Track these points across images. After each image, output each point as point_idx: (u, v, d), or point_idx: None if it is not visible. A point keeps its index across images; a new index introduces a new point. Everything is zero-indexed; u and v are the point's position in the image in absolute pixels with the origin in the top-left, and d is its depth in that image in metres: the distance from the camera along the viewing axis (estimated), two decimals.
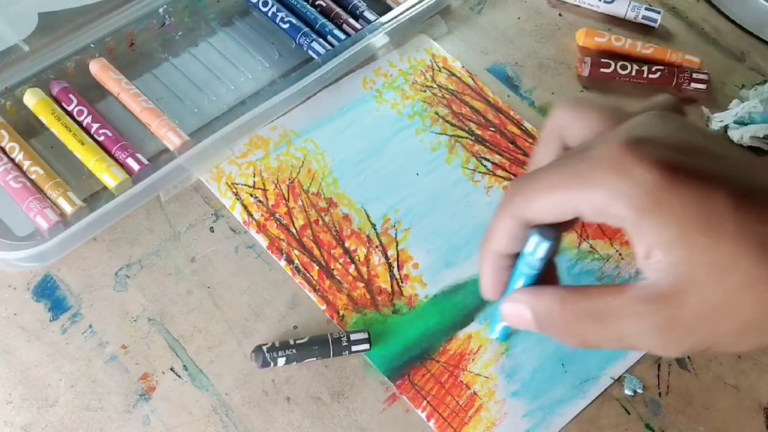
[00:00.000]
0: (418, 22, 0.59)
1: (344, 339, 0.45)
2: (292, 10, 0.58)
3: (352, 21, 0.58)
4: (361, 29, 0.57)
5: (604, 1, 0.63)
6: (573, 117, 0.31)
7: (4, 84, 0.52)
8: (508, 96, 0.58)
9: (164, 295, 0.47)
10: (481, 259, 0.32)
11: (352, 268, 0.49)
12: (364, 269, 0.49)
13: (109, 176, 0.49)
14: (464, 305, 0.48)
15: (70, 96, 0.52)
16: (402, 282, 0.49)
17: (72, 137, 0.50)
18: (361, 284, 0.48)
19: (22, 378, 0.43)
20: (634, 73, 0.59)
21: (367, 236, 0.50)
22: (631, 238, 0.27)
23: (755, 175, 0.27)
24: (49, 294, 0.46)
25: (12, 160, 0.49)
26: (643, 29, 0.64)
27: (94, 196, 0.49)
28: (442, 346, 0.47)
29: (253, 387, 0.44)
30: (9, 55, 0.53)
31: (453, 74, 0.58)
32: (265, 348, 0.44)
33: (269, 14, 0.58)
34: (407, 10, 0.58)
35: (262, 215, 0.50)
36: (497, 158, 0.55)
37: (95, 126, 0.51)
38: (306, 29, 0.57)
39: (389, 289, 0.48)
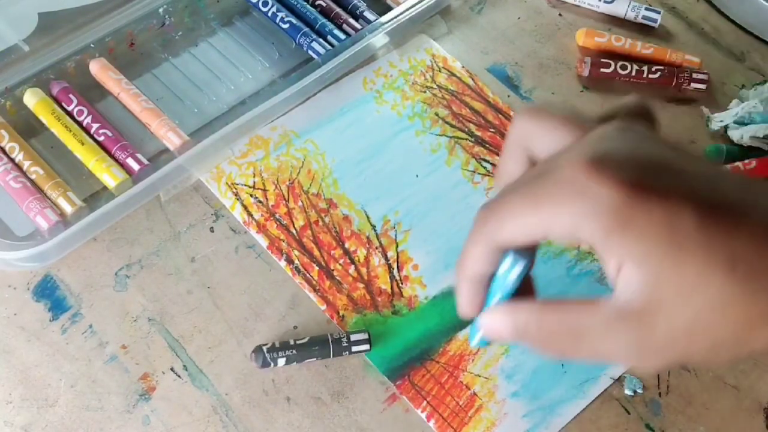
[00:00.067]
0: (418, 22, 0.59)
1: (344, 339, 0.45)
2: (292, 10, 0.58)
3: (352, 21, 0.58)
4: (361, 29, 0.57)
5: (604, 1, 0.63)
6: (536, 127, 0.31)
7: (4, 84, 0.52)
8: (508, 96, 0.58)
9: (164, 295, 0.47)
10: (457, 282, 0.32)
11: (352, 269, 0.49)
12: (364, 270, 0.49)
13: (109, 176, 0.49)
14: None
15: (70, 96, 0.52)
16: (402, 283, 0.49)
17: (72, 137, 0.50)
18: (361, 285, 0.48)
19: (22, 378, 0.43)
20: (634, 73, 0.59)
21: (367, 237, 0.50)
22: (601, 258, 0.27)
23: (722, 189, 0.27)
24: (49, 294, 0.46)
25: (12, 160, 0.49)
26: (643, 29, 0.64)
27: (94, 196, 0.49)
28: (441, 347, 0.47)
29: (253, 387, 0.44)
30: (9, 55, 0.53)
31: (453, 74, 0.58)
32: (265, 348, 0.44)
33: (269, 14, 0.58)
34: (407, 10, 0.58)
35: (262, 215, 0.50)
36: (497, 160, 0.55)
37: (95, 126, 0.51)
38: (306, 29, 0.57)
39: (389, 290, 0.48)
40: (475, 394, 0.45)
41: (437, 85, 0.58)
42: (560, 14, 0.64)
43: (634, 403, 0.46)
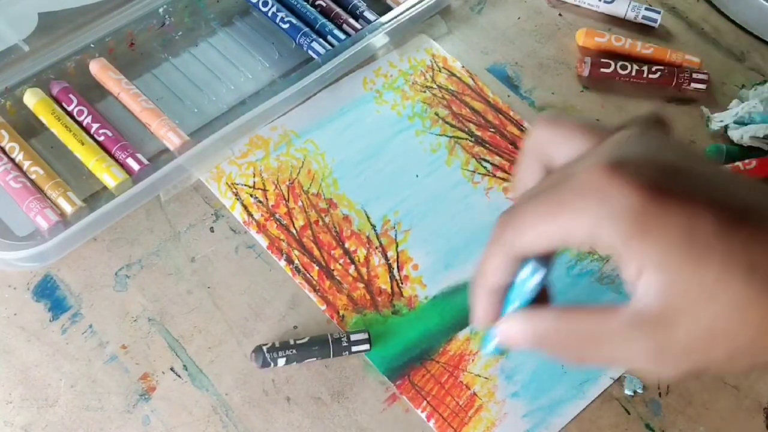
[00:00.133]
0: (418, 22, 0.59)
1: (344, 339, 0.45)
2: (292, 10, 0.58)
3: (352, 21, 0.58)
4: (361, 29, 0.57)
5: (604, 1, 0.63)
6: (552, 135, 0.31)
7: (4, 84, 0.52)
8: (508, 96, 0.58)
9: (164, 295, 0.47)
10: (474, 293, 0.32)
11: (352, 269, 0.49)
12: (364, 270, 0.49)
13: (109, 176, 0.49)
14: (464, 306, 0.48)
15: (70, 96, 0.52)
16: (402, 283, 0.49)
17: (72, 137, 0.50)
18: (361, 285, 0.48)
19: (22, 378, 0.43)
20: (634, 73, 0.59)
21: (367, 237, 0.50)
22: (619, 262, 0.27)
23: (741, 195, 0.27)
24: (49, 294, 0.46)
25: (12, 160, 0.49)
26: (643, 29, 0.64)
27: (94, 196, 0.49)
28: (441, 346, 0.47)
29: (253, 387, 0.44)
30: (9, 55, 0.53)
31: (453, 74, 0.58)
32: (265, 348, 0.44)
33: (269, 14, 0.58)
34: (407, 10, 0.58)
35: (262, 215, 0.50)
36: (497, 159, 0.55)
37: (95, 126, 0.51)
38: (306, 29, 0.57)
39: (389, 290, 0.48)
40: (475, 394, 0.45)
41: (437, 85, 0.58)
42: (560, 14, 0.64)
43: (634, 403, 0.46)
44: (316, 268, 0.49)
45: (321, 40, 0.56)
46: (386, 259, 0.50)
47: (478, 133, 0.56)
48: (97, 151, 0.50)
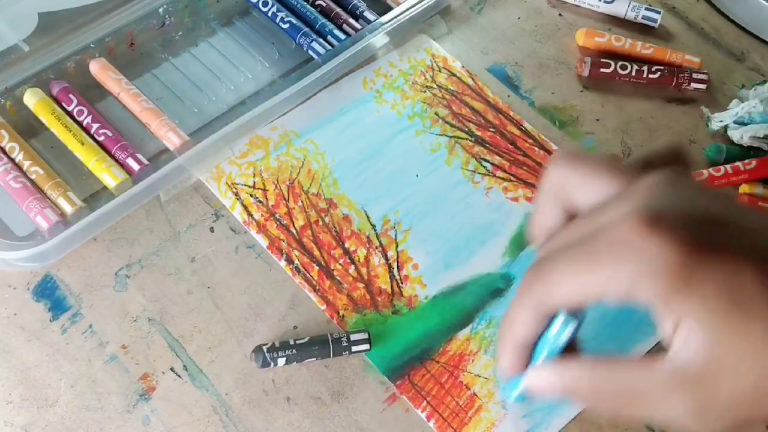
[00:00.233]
0: (418, 22, 0.59)
1: (344, 339, 0.45)
2: (292, 10, 0.58)
3: (352, 21, 0.58)
4: (361, 29, 0.57)
5: (604, 1, 0.63)
6: (572, 175, 0.30)
7: (4, 84, 0.52)
8: (508, 96, 0.58)
9: (164, 295, 0.47)
10: (501, 344, 0.31)
11: (352, 269, 0.49)
12: (364, 270, 0.49)
13: (109, 176, 0.49)
14: (464, 306, 0.48)
15: (70, 96, 0.52)
16: (402, 283, 0.49)
17: (72, 137, 0.50)
18: (361, 285, 0.48)
19: (22, 378, 0.43)
20: (634, 73, 0.59)
21: (367, 237, 0.50)
22: (658, 317, 0.26)
23: None
24: (49, 294, 0.46)
25: (12, 160, 0.49)
26: (643, 29, 0.64)
27: (94, 196, 0.49)
28: (441, 346, 0.47)
29: (253, 387, 0.44)
30: (9, 55, 0.53)
31: (453, 74, 0.58)
32: (265, 348, 0.44)
33: (269, 14, 0.58)
34: (407, 10, 0.58)
35: (262, 215, 0.50)
36: (497, 159, 0.55)
37: (95, 126, 0.51)
38: (306, 29, 0.57)
39: (389, 290, 0.48)
40: (475, 394, 0.45)
41: (437, 85, 0.58)
42: (560, 14, 0.64)
43: None
44: (316, 268, 0.49)
45: (321, 40, 0.56)
46: (386, 258, 0.50)
47: (478, 133, 0.56)
48: (97, 151, 0.50)
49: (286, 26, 0.57)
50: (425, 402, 0.45)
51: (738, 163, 0.55)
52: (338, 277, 0.49)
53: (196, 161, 0.50)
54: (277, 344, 0.45)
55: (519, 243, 0.51)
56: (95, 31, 0.55)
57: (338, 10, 0.59)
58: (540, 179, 0.31)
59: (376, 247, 0.50)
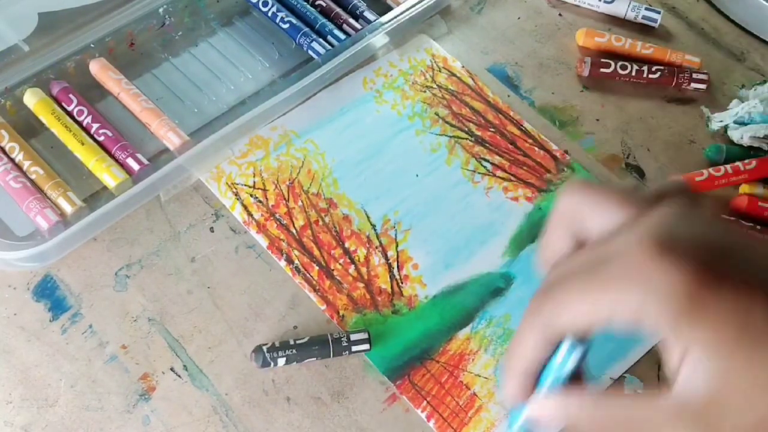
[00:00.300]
0: (418, 22, 0.59)
1: (344, 339, 0.45)
2: (292, 10, 0.58)
3: (352, 21, 0.58)
4: (361, 29, 0.57)
5: (604, 1, 0.63)
6: (584, 202, 0.30)
7: (4, 84, 0.52)
8: (508, 96, 0.58)
9: (164, 295, 0.47)
10: (507, 370, 0.31)
11: (352, 269, 0.49)
12: (364, 270, 0.49)
13: (109, 176, 0.49)
14: (464, 306, 0.48)
15: (70, 96, 0.52)
16: (402, 282, 0.49)
17: (72, 137, 0.50)
18: (361, 284, 0.48)
19: (22, 378, 0.43)
20: (634, 73, 0.59)
21: (367, 237, 0.50)
22: (664, 346, 0.26)
23: None
24: (49, 294, 0.46)
25: (12, 160, 0.49)
26: (643, 29, 0.64)
27: (94, 196, 0.49)
28: (441, 346, 0.47)
29: (253, 387, 0.44)
30: (9, 55, 0.53)
31: (453, 74, 0.58)
32: (265, 348, 0.44)
33: (269, 14, 0.58)
34: (407, 10, 0.58)
35: (262, 215, 0.50)
36: (497, 159, 0.55)
37: (95, 126, 0.51)
38: (306, 29, 0.57)
39: (389, 290, 0.48)
40: (475, 394, 0.45)
41: (437, 85, 0.58)
42: (560, 14, 0.64)
43: None
44: (316, 267, 0.49)
45: (321, 40, 0.56)
46: (386, 258, 0.50)
47: (478, 133, 0.56)
48: (97, 151, 0.50)
49: (286, 26, 0.57)
50: (425, 402, 0.45)
51: (738, 163, 0.55)
52: (338, 277, 0.49)
53: (196, 161, 0.50)
54: (277, 344, 0.45)
55: (519, 242, 0.51)
56: (95, 31, 0.55)
57: (338, 10, 0.59)
58: (554, 205, 0.31)
59: (376, 247, 0.50)
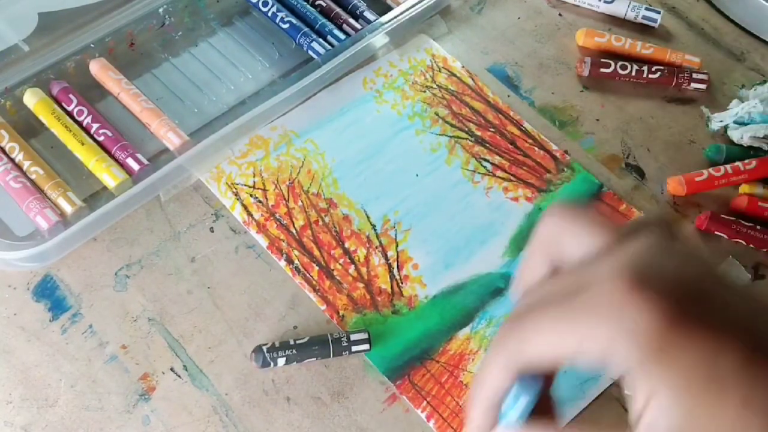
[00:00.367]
0: (418, 22, 0.59)
1: (344, 339, 0.45)
2: (292, 10, 0.58)
3: (352, 21, 0.58)
4: (361, 29, 0.57)
5: (604, 1, 0.63)
6: (565, 228, 0.29)
7: (4, 84, 0.52)
8: (508, 96, 0.58)
9: (164, 295, 0.47)
10: (471, 400, 0.30)
11: (352, 269, 0.49)
12: (364, 270, 0.49)
13: (109, 176, 0.49)
14: (464, 306, 0.48)
15: (70, 96, 0.52)
16: (402, 282, 0.49)
17: (72, 137, 0.50)
18: (361, 285, 0.48)
19: (22, 378, 0.43)
20: (634, 73, 0.59)
21: (367, 237, 0.50)
22: (630, 385, 0.25)
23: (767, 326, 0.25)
24: (49, 294, 0.46)
25: (12, 160, 0.49)
26: (643, 29, 0.64)
27: (94, 196, 0.49)
28: (441, 346, 0.47)
29: (253, 387, 0.44)
30: (9, 55, 0.53)
31: (453, 74, 0.58)
32: (265, 348, 0.44)
33: (269, 14, 0.58)
34: (407, 10, 0.58)
35: (262, 215, 0.50)
36: (497, 159, 0.55)
37: (95, 126, 0.51)
38: (306, 29, 0.57)
39: (389, 290, 0.48)
40: None
41: (437, 85, 0.58)
42: (560, 14, 0.64)
43: None
44: (316, 268, 0.49)
45: (321, 40, 0.56)
46: (386, 258, 0.50)
47: (478, 133, 0.56)
48: (97, 151, 0.50)
49: (286, 26, 0.57)
50: (425, 402, 0.45)
51: (738, 163, 0.55)
52: (338, 277, 0.49)
53: (196, 161, 0.50)
54: (277, 344, 0.45)
55: (519, 243, 0.51)
56: (95, 31, 0.55)
57: (338, 10, 0.59)
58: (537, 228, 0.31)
59: (376, 247, 0.50)
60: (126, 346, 0.45)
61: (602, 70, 0.59)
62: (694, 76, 0.60)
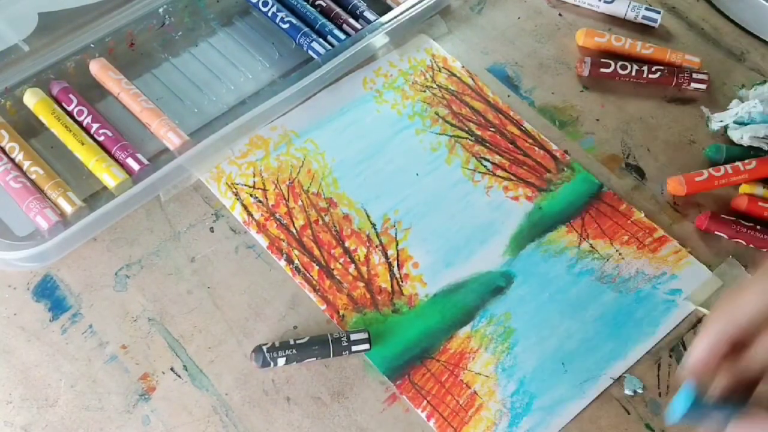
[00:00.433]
0: (418, 22, 0.59)
1: (344, 339, 0.45)
2: (292, 10, 0.58)
3: (352, 21, 0.58)
4: (361, 29, 0.57)
5: (604, 1, 0.63)
6: (738, 310, 0.34)
7: (4, 84, 0.52)
8: (508, 96, 0.58)
9: (164, 295, 0.47)
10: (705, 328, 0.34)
11: (352, 268, 0.49)
12: (364, 269, 0.49)
13: (109, 176, 0.49)
14: (464, 304, 0.48)
15: (70, 96, 0.52)
16: (402, 281, 0.49)
17: (72, 137, 0.50)
18: (361, 284, 0.48)
19: (22, 378, 0.43)
20: (634, 73, 0.59)
21: (367, 236, 0.50)
22: None
23: None
24: (49, 294, 0.46)
25: (12, 160, 0.49)
26: (643, 29, 0.64)
27: (94, 196, 0.49)
28: (442, 345, 0.47)
29: (253, 387, 0.44)
30: (9, 55, 0.53)
31: (453, 74, 0.58)
32: (265, 348, 0.44)
33: (269, 14, 0.58)
34: (407, 10, 0.58)
35: (262, 215, 0.50)
36: (497, 158, 0.55)
37: (95, 126, 0.51)
38: (306, 29, 0.57)
39: (389, 289, 0.48)
40: (475, 393, 0.45)
41: (437, 85, 0.58)
42: (560, 14, 0.64)
43: (634, 403, 0.46)
44: (316, 267, 0.49)
45: (321, 40, 0.56)
46: (386, 257, 0.50)
47: (478, 133, 0.56)
48: (97, 151, 0.50)
49: (286, 26, 0.57)
50: (425, 401, 0.45)
51: (738, 163, 0.55)
52: (338, 277, 0.49)
53: (196, 161, 0.50)
54: (277, 344, 0.45)
55: (519, 241, 0.51)
56: (95, 31, 0.55)
57: (338, 10, 0.59)
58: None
59: (376, 246, 0.50)
60: (126, 346, 0.45)
61: (602, 70, 0.59)
62: (694, 76, 0.60)
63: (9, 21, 0.54)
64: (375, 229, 0.51)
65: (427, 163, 0.54)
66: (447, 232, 0.51)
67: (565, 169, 0.55)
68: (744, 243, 0.52)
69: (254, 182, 0.51)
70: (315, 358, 0.45)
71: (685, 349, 0.48)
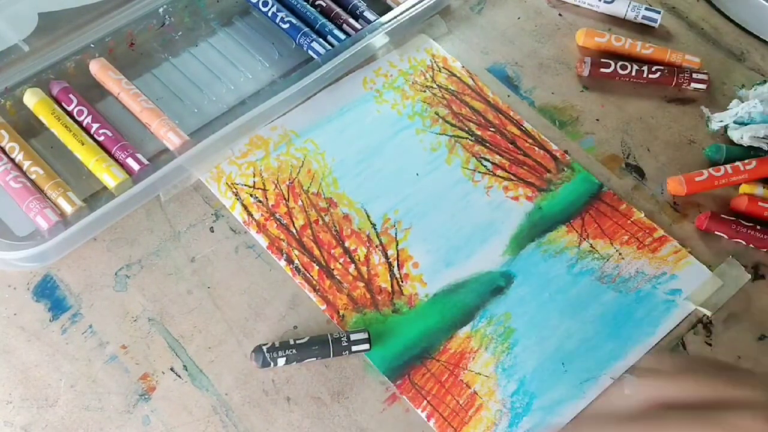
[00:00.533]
0: (418, 22, 0.59)
1: (344, 339, 0.45)
2: (292, 10, 0.58)
3: (352, 21, 0.58)
4: (361, 29, 0.57)
5: (604, 1, 0.63)
6: None
7: (4, 84, 0.52)
8: (508, 96, 0.58)
9: (164, 295, 0.47)
10: None
11: (352, 268, 0.49)
12: (364, 269, 0.49)
13: (109, 176, 0.49)
14: (464, 304, 0.48)
15: (70, 96, 0.52)
16: (402, 281, 0.49)
17: (72, 137, 0.50)
18: (361, 284, 0.48)
19: (22, 378, 0.43)
20: (634, 73, 0.59)
21: (367, 236, 0.50)
22: None
23: None
24: (49, 294, 0.46)
25: (12, 160, 0.49)
26: (643, 29, 0.64)
27: (94, 196, 0.49)
28: (442, 345, 0.47)
29: (253, 387, 0.44)
30: (9, 55, 0.53)
31: (453, 74, 0.58)
32: (265, 348, 0.44)
33: (269, 14, 0.58)
34: (407, 10, 0.58)
35: (262, 215, 0.50)
36: (497, 158, 0.55)
37: (95, 126, 0.51)
38: (306, 29, 0.57)
39: (389, 289, 0.48)
40: (475, 392, 0.45)
41: (437, 85, 0.58)
42: (560, 14, 0.64)
43: None
44: (316, 267, 0.49)
45: (321, 40, 0.56)
46: (386, 257, 0.50)
47: (478, 133, 0.56)
48: (97, 151, 0.50)
49: (286, 26, 0.57)
50: (425, 402, 0.45)
51: (738, 163, 0.55)
52: (338, 277, 0.49)
53: (196, 161, 0.50)
54: (277, 344, 0.45)
55: (519, 241, 0.51)
56: (95, 31, 0.55)
57: (338, 10, 0.59)
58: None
59: (376, 246, 0.50)
60: (126, 346, 0.45)
61: (602, 70, 0.59)
62: (694, 76, 0.60)
63: (9, 21, 0.54)
64: (375, 229, 0.51)
65: (427, 163, 0.54)
66: (447, 232, 0.51)
67: (565, 169, 0.55)
68: (744, 243, 0.52)
69: (254, 182, 0.51)
70: (315, 358, 0.45)
71: (685, 349, 0.48)
